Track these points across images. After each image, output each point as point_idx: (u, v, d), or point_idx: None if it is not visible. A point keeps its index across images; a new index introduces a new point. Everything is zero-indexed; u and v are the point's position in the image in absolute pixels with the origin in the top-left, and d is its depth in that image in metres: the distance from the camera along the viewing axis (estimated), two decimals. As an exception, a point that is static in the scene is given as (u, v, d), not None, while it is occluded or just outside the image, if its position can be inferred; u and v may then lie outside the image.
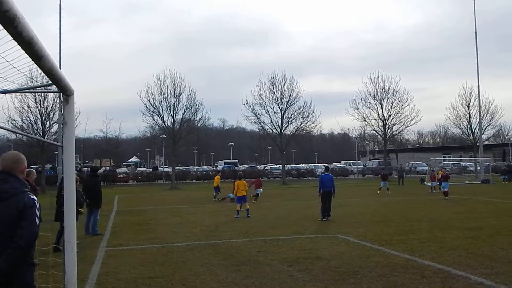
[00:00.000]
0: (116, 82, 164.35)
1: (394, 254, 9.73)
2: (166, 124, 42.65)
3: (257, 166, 66.49)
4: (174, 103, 41.95)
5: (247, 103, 45.98)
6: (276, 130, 46.34)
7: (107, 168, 59.31)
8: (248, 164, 68.42)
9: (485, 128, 51.57)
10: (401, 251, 10.04)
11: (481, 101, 47.52)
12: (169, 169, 52.39)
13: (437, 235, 12.13)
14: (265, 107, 45.80)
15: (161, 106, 41.82)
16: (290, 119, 45.90)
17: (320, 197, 15.81)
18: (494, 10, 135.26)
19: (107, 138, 66.92)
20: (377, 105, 48.22)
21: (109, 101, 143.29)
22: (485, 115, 49.95)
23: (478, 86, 46.03)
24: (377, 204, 21.73)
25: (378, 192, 28.45)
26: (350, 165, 60.41)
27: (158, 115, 42.04)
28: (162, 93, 41.79)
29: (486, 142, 59.42)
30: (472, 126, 51.07)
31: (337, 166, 59.52)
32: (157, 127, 48.67)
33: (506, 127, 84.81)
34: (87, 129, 65.74)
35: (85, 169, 51.02)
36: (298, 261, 9.16)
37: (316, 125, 47.31)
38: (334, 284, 7.42)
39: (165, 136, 47.45)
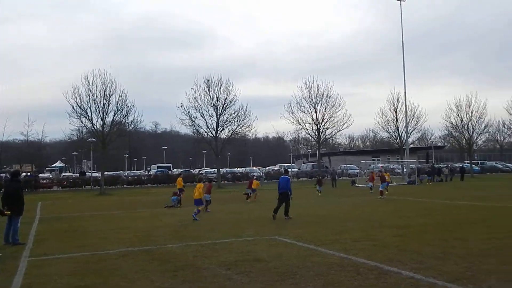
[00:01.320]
0: (39, 82, 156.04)
1: (330, 254, 9.98)
2: (95, 127, 40.98)
3: (192, 170, 65.73)
4: (103, 105, 40.39)
5: (181, 106, 45.37)
6: (211, 133, 46.14)
7: (28, 173, 55.99)
8: (182, 168, 67.48)
9: (411, 132, 54.59)
10: (336, 250, 10.33)
11: (407, 106, 50.21)
12: (97, 174, 50.39)
13: (369, 234, 12.62)
14: (200, 110, 45.47)
15: (90, 108, 40.04)
16: (226, 123, 45.89)
17: (278, 198, 16.77)
18: (422, 20, 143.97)
19: (28, 141, 63.31)
20: (312, 109, 49.46)
21: (32, 102, 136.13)
22: (411, 120, 52.87)
23: (405, 92, 48.65)
24: (312, 206, 22.24)
25: (319, 194, 29.42)
26: (285, 168, 61.39)
27: (86, 117, 40.25)
28: (91, 94, 40.08)
29: (411, 145, 62.79)
30: (399, 130, 53.85)
31: (272, 170, 60.27)
32: (85, 129, 46.73)
33: (430, 131, 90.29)
34: (5, 132, 61.91)
35: (3, 174, 47.87)
36: (237, 264, 9.14)
37: (251, 129, 47.67)
38: (273, 285, 7.48)
39: (93, 139, 45.63)
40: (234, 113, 45.74)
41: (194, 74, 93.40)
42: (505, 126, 73.05)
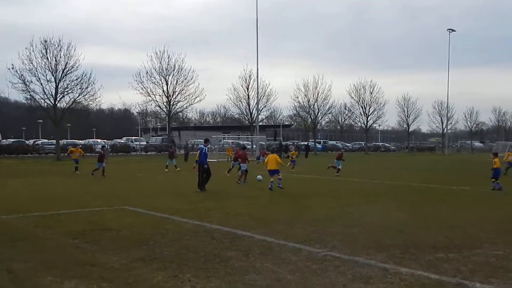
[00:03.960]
0: None
1: (184, 222, 10.19)
2: None
3: (25, 141, 60.04)
4: None
5: (13, 68, 40.79)
6: (49, 101, 42.54)
7: None
8: (13, 139, 61.30)
9: (261, 110, 57.46)
10: (191, 218, 10.59)
11: (259, 84, 52.55)
12: None
13: (223, 204, 13.17)
14: (36, 74, 41.40)
15: None
16: (66, 90, 42.58)
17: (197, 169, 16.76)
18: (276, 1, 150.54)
19: None
20: (162, 80, 48.79)
21: None
22: (262, 98, 55.58)
23: (257, 70, 50.68)
24: (165, 179, 22.18)
25: (166, 170, 28.85)
26: (132, 141, 59.77)
27: None
28: None
29: (261, 123, 66.18)
30: (250, 107, 56.31)
31: (119, 143, 58.29)
32: None
33: (279, 110, 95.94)
34: None
35: None
36: (85, 233, 8.81)
37: (95, 98, 45.09)
38: (126, 252, 7.41)
39: None
40: (76, 79, 42.75)
41: (29, 34, 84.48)
42: (347, 108, 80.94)
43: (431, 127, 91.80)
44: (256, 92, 52.68)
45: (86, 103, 46.10)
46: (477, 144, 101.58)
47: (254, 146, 53.21)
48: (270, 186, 16.42)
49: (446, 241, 8.46)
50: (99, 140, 59.47)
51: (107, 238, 8.46)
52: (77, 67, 42.34)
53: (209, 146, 21.28)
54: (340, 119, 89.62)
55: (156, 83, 48.81)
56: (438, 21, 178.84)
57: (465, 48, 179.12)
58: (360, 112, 70.99)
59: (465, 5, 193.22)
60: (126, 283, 5.85)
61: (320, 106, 63.23)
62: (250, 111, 56.63)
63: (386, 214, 11.57)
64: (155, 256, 7.18)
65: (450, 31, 72.19)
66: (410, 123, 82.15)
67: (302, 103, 63.74)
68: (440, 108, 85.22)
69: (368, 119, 70.39)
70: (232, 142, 57.89)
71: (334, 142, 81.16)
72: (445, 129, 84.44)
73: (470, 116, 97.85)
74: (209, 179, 16.81)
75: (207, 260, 6.98)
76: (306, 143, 64.46)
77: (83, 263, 6.78)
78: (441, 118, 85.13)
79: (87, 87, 42.97)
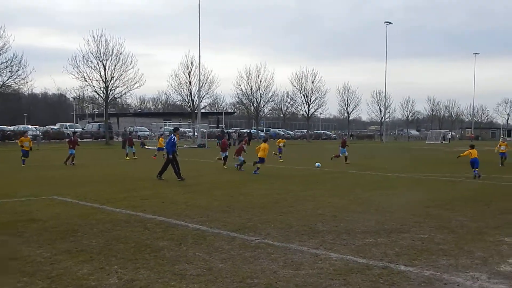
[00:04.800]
0: None
1: (116, 211, 9.95)
2: None
3: None
4: None
5: None
6: (-26, 84, 40.24)
7: None
8: None
9: (203, 97, 57.03)
10: (123, 207, 10.36)
11: (201, 71, 52.01)
12: None
13: (159, 192, 12.99)
14: (-42, 54, 39.04)
15: None
16: (-5, 73, 40.53)
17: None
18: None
19: None
20: (100, 65, 47.16)
21: None
22: (204, 84, 55.11)
23: (199, 56, 50.21)
24: (99, 166, 21.56)
25: (127, 158, 27.74)
26: (66, 128, 57.57)
27: None
28: None
29: (203, 110, 65.71)
30: (192, 94, 55.72)
31: (52, 129, 55.97)
32: None
33: (221, 97, 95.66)
34: None
35: None
36: (8, 225, 8.42)
37: (27, 82, 43.03)
38: (52, 244, 7.13)
39: None
40: (6, 62, 40.75)
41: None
42: (289, 96, 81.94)
43: (370, 115, 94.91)
44: (198, 78, 52.20)
45: (17, 87, 44.01)
46: (413, 132, 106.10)
47: (196, 133, 52.79)
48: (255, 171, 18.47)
49: (377, 226, 8.77)
50: (29, 126, 56.80)
51: (32, 230, 8.12)
52: (6, 48, 40.36)
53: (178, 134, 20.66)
54: (282, 107, 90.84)
55: (93, 67, 47.12)
56: (377, 13, 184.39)
57: (402, 40, 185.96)
58: (302, 101, 72.15)
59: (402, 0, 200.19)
60: (49, 277, 5.64)
61: (263, 94, 63.77)
62: (192, 98, 56.09)
63: (322, 201, 11.83)
64: (82, 248, 6.97)
65: (388, 23, 74.65)
66: (350, 111, 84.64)
67: (244, 91, 63.95)
68: (378, 98, 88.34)
69: (310, 107, 71.66)
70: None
71: (277, 130, 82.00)
72: (383, 117, 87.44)
73: (407, 105, 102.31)
74: (166, 169, 16.32)
75: (137, 250, 6.85)
76: (248, 130, 64.73)
77: (2, 257, 6.47)
78: (380, 107, 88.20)
79: (17, 70, 41.04)
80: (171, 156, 16.12)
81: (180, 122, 66.14)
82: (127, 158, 27.08)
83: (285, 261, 6.44)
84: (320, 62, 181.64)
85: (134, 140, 29.97)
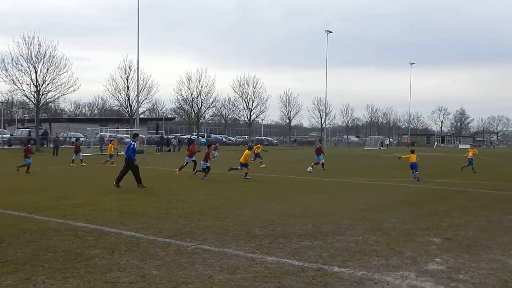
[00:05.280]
0: None
1: (45, 220, 9.61)
2: None
3: None
4: None
5: None
6: None
7: None
8: None
9: (142, 102, 56.04)
10: (53, 216, 10.02)
11: (139, 75, 51.06)
12: None
13: (92, 199, 12.65)
14: None
15: None
16: None
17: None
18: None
19: None
20: (31, 68, 45.25)
21: None
22: (142, 89, 54.15)
23: (138, 60, 49.06)
24: (27, 175, 20.66)
25: (73, 165, 26.75)
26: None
27: None
28: None
29: (142, 116, 64.62)
30: (130, 99, 54.63)
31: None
32: None
33: (161, 102, 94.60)
34: None
35: None
36: None
37: None
38: (-28, 255, 6.79)
39: None
40: None
41: None
42: (230, 102, 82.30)
43: (312, 122, 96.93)
44: (136, 83, 51.24)
45: None
46: (353, 138, 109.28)
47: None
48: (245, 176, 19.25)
49: (313, 230, 9.00)
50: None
51: (-50, 241, 7.68)
52: None
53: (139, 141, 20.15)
54: (224, 113, 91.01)
55: (23, 71, 45.14)
56: (318, 22, 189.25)
57: (342, 49, 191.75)
58: (244, 107, 72.63)
59: (341, 9, 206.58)
60: (-32, 289, 5.38)
61: (204, 99, 63.52)
62: (130, 103, 54.96)
63: (260, 206, 11.97)
64: (6, 258, 6.68)
65: (328, 32, 76.78)
66: (291, 117, 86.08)
67: (185, 96, 63.46)
68: (319, 104, 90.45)
69: (252, 113, 72.26)
70: (110, 135, 55.90)
71: (218, 136, 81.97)
72: (324, 124, 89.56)
73: (346, 112, 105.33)
74: (124, 176, 15.97)
75: (67, 260, 6.66)
76: (189, 136, 64.26)
77: None
78: (320, 114, 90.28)
79: None
80: (136, 162, 15.94)
81: (117, 128, 64.68)
82: (73, 164, 26.58)
83: (221, 266, 6.48)
84: (262, 68, 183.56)
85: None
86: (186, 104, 64.76)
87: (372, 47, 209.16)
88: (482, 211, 11.87)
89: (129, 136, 54.20)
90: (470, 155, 25.89)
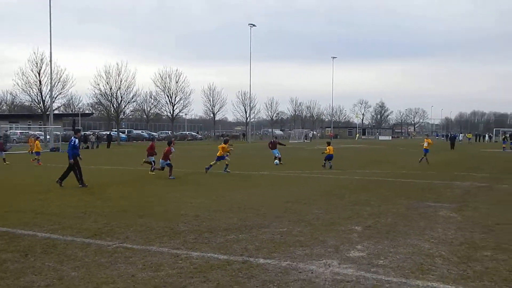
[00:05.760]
0: None
1: (-51, 225, 8.96)
2: None
3: None
4: None
5: None
6: None
7: None
8: None
9: (56, 97, 53.55)
10: (-42, 220, 9.37)
11: (53, 69, 48.68)
12: None
13: (2, 201, 11.97)
14: None
15: None
16: None
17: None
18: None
19: None
20: None
21: None
22: (56, 84, 51.73)
23: (51, 53, 46.66)
24: None
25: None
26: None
27: None
28: None
29: (56, 111, 61.77)
30: (43, 94, 52.03)
31: None
32: None
33: (77, 97, 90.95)
34: None
35: None
36: None
37: None
38: None
39: None
40: None
41: None
42: (152, 97, 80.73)
43: (236, 116, 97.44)
44: (50, 77, 48.86)
45: None
46: (278, 132, 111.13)
47: (48, 137, 49.40)
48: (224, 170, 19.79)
49: (239, 223, 9.09)
50: None
51: None
52: None
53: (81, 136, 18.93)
54: (146, 107, 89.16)
55: None
56: (240, 16, 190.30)
57: (266, 43, 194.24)
58: (166, 101, 71.54)
59: (265, 4, 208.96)
60: None
61: (124, 94, 61.80)
62: (42, 98, 52.33)
63: (184, 202, 11.90)
64: None
65: (251, 25, 77.38)
66: (216, 112, 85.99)
67: (104, 91, 61.38)
68: (243, 98, 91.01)
69: (175, 108, 71.36)
70: (21, 132, 53.10)
71: (140, 132, 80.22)
72: (249, 118, 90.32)
73: (271, 106, 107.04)
74: (68, 175, 15.44)
75: (-26, 265, 6.27)
76: (108, 132, 62.36)
77: None
78: (245, 108, 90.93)
79: None
80: (72, 161, 15.33)
81: (29, 125, 61.40)
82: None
83: (144, 263, 6.39)
84: (185, 62, 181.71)
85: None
86: (104, 99, 62.73)
87: (294, 41, 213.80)
88: (400, 199, 12.56)
89: (42, 133, 51.77)
90: (425, 145, 26.35)
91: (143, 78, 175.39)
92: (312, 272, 6.02)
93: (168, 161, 18.62)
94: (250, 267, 6.23)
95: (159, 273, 5.99)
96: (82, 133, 54.10)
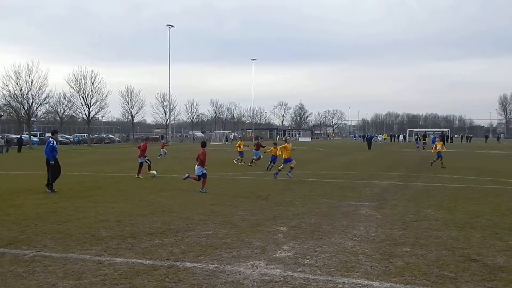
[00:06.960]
0: None
1: None
2: None
3: None
4: None
5: None
6: None
7: None
8: None
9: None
10: None
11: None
12: None
13: None
14: None
15: None
16: None
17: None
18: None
19: None
20: None
21: None
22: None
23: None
24: None
25: None
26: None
27: None
28: None
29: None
30: None
31: None
32: None
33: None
34: None
35: None
36: None
37: None
38: None
39: None
40: None
41: None
42: (66, 98, 77.38)
43: (156, 118, 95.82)
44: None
45: None
46: (198, 134, 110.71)
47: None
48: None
49: (163, 227, 8.98)
50: None
51: None
52: None
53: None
54: (59, 109, 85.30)
55: None
56: (157, 17, 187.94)
57: (185, 45, 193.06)
58: (82, 103, 68.76)
59: (183, 5, 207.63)
60: None
61: (35, 95, 58.74)
62: None
63: (105, 207, 11.55)
64: None
65: (170, 26, 76.53)
66: (134, 114, 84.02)
67: (13, 92, 57.96)
68: (163, 100, 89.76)
69: (91, 110, 68.75)
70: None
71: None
72: (169, 120, 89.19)
73: (191, 108, 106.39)
74: (58, 176, 15.03)
75: None
76: (19, 136, 58.96)
77: None
78: (165, 110, 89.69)
79: None
80: (52, 162, 14.76)
81: None
82: None
83: (65, 272, 6.14)
84: (100, 63, 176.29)
85: None
86: (14, 100, 59.23)
87: (214, 43, 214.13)
88: (323, 198, 12.98)
89: None
90: (438, 148, 25.68)
91: (56, 79, 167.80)
92: (240, 274, 6.08)
93: (205, 170, 15.08)
94: (177, 271, 6.18)
95: (82, 281, 5.78)
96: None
